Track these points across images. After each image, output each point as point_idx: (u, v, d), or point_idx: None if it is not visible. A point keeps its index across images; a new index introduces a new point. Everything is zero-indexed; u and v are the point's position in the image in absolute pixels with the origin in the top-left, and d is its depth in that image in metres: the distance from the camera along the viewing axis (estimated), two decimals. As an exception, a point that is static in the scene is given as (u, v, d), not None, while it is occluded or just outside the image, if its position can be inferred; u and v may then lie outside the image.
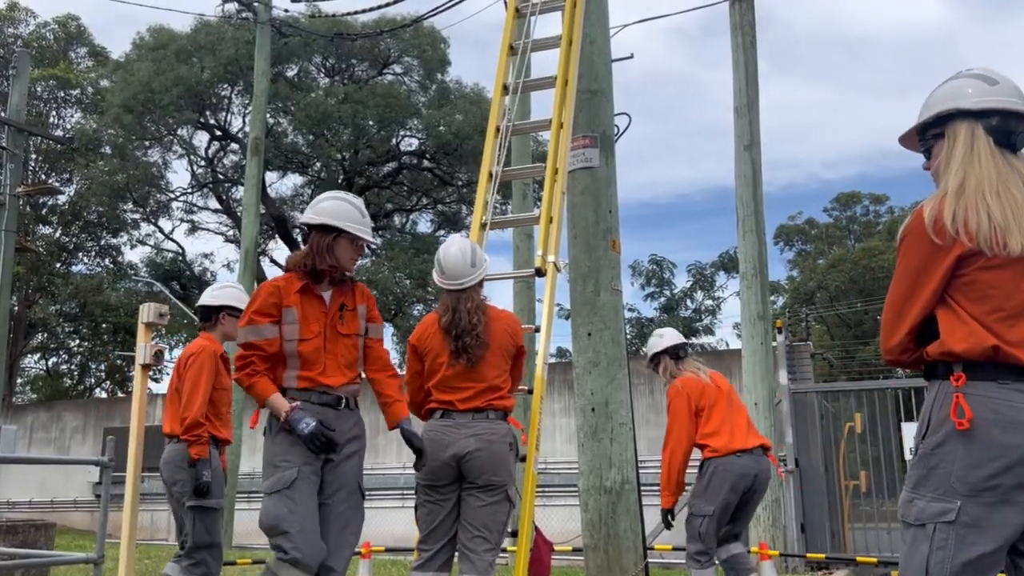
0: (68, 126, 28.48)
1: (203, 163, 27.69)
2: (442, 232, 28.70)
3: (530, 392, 4.40)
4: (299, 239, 28.18)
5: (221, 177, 27.75)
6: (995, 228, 2.14)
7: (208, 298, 4.87)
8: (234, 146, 27.14)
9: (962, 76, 2.38)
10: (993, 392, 2.13)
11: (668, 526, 5.14)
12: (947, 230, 2.16)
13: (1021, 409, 2.10)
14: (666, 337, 5.28)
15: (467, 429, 3.71)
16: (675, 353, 5.22)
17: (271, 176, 27.07)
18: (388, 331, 27.41)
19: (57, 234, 28.63)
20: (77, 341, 30.68)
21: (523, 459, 4.17)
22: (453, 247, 3.91)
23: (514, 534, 4.17)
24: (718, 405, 5.06)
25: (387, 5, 13.96)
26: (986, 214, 2.16)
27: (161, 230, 28.93)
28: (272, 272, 28.67)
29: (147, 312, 4.83)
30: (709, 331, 26.88)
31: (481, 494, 3.69)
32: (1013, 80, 2.34)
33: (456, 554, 3.75)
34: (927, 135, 2.38)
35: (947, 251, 2.17)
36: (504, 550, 9.35)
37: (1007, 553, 2.16)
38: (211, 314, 4.80)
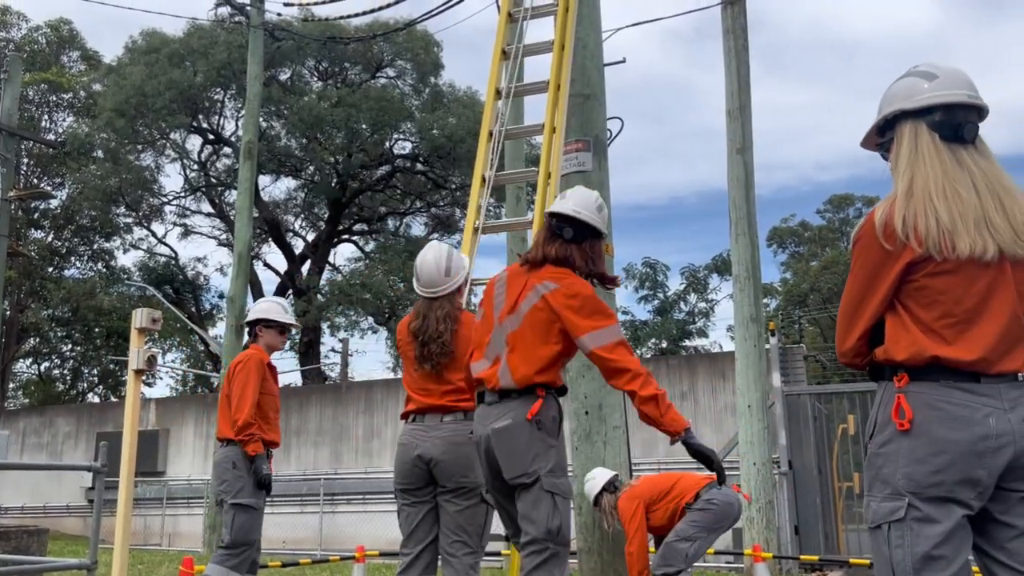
0: (60, 130, 28.40)
1: (196, 167, 27.64)
2: (436, 235, 28.68)
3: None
4: (292, 244, 28.19)
5: (214, 181, 27.70)
6: (943, 231, 2.12)
7: (249, 316, 5.40)
8: (227, 150, 27.10)
9: (906, 75, 2.34)
10: (934, 391, 2.14)
11: None
12: (897, 234, 2.16)
13: (962, 406, 2.11)
14: (598, 478, 5.14)
15: (435, 432, 3.72)
16: (612, 487, 5.13)
17: (264, 180, 27.05)
18: (382, 335, 27.39)
19: (49, 238, 28.53)
20: (69, 346, 30.56)
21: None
22: (429, 254, 3.93)
23: (507, 538, 4.17)
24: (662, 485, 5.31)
25: (380, 9, 13.97)
26: (934, 217, 2.13)
27: (154, 234, 28.89)
28: (264, 276, 28.65)
29: (140, 317, 4.83)
30: (703, 334, 26.88)
31: (455, 498, 3.69)
32: (959, 70, 2.27)
33: (440, 559, 3.76)
34: (883, 138, 2.38)
35: (897, 256, 2.17)
36: (499, 554, 9.36)
37: (973, 548, 2.17)
38: (251, 329, 5.28)
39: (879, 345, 2.25)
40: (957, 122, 2.21)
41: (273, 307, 5.34)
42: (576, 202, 3.38)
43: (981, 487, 2.10)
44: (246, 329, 5.45)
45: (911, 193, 2.19)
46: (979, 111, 2.25)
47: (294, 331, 28.99)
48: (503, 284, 3.43)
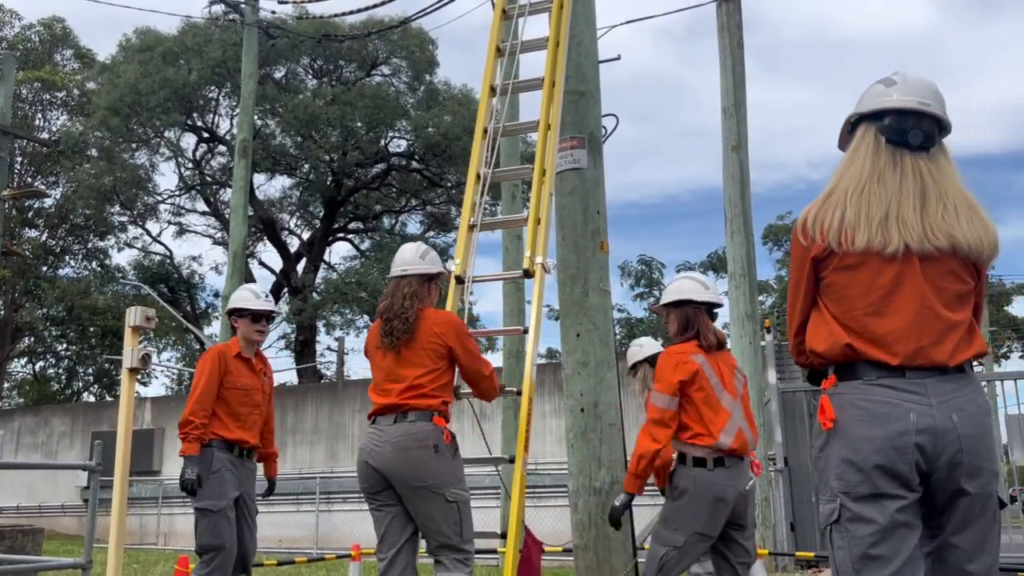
0: (54, 128, 28.32)
1: (190, 165, 27.58)
2: (431, 233, 28.66)
3: (519, 394, 4.39)
4: (287, 242, 28.13)
5: (209, 179, 27.65)
6: (845, 227, 2.22)
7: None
8: (222, 148, 27.05)
9: (875, 82, 2.43)
10: (856, 390, 2.19)
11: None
12: (808, 231, 2.28)
13: (880, 402, 2.15)
14: (645, 347, 5.46)
15: (387, 435, 3.73)
16: (654, 362, 5.12)
17: (259, 178, 27.00)
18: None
19: (43, 237, 28.45)
20: (64, 345, 30.49)
21: (512, 460, 4.17)
22: (410, 244, 4.18)
23: (503, 535, 4.17)
24: None
25: (375, 7, 13.95)
26: (840, 213, 2.23)
27: (149, 233, 28.83)
28: (260, 275, 28.60)
29: (134, 315, 4.80)
30: (698, 331, 26.93)
31: (417, 503, 3.69)
32: (924, 80, 2.36)
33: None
34: (851, 136, 2.46)
35: (807, 252, 2.28)
36: (494, 551, 9.37)
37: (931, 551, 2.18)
38: (231, 323, 5.06)
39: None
40: (904, 127, 2.29)
41: (244, 295, 5.00)
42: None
43: (905, 480, 2.11)
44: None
45: (832, 192, 2.30)
46: (938, 121, 2.31)
47: (278, 319, 28.95)
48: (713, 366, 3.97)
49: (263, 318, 4.95)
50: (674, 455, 3.94)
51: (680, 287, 4.20)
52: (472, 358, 3.92)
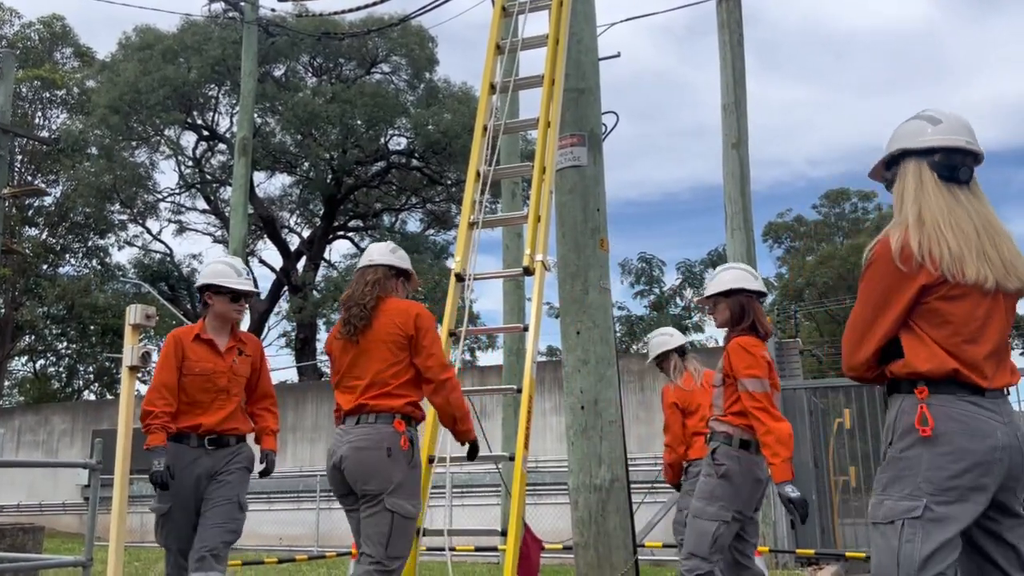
0: (54, 127, 28.30)
1: (190, 164, 27.57)
2: (431, 231, 28.66)
3: (519, 391, 4.39)
4: (287, 240, 28.12)
5: (209, 178, 27.63)
6: (954, 259, 2.37)
7: (198, 280, 4.59)
8: (222, 146, 27.03)
9: (913, 118, 2.60)
10: (953, 404, 2.37)
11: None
12: (914, 257, 2.39)
13: (980, 419, 2.34)
14: (675, 337, 5.59)
15: (347, 436, 3.67)
16: (682, 351, 5.57)
17: (259, 176, 26.98)
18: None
19: (44, 236, 28.44)
20: (65, 343, 30.48)
21: (512, 458, 4.17)
22: (379, 243, 4.15)
23: (503, 533, 4.17)
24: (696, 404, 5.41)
25: (374, 4, 13.94)
26: (946, 245, 2.38)
27: (149, 231, 28.81)
28: (260, 273, 28.61)
29: (134, 313, 4.80)
30: (699, 328, 26.88)
31: (363, 504, 3.62)
32: (961, 118, 2.54)
33: None
34: (888, 171, 2.62)
35: (912, 279, 2.40)
36: (495, 549, 9.38)
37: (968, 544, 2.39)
38: (201, 297, 4.52)
39: (885, 362, 2.49)
40: (954, 164, 2.49)
41: (222, 269, 4.49)
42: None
43: (988, 494, 2.32)
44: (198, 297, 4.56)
45: (922, 222, 2.43)
46: (975, 156, 2.52)
47: (278, 317, 28.92)
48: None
49: (243, 297, 4.49)
50: (711, 437, 4.07)
51: (731, 276, 4.21)
52: (426, 355, 3.69)
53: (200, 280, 4.52)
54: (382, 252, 4.01)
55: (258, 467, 4.45)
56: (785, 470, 3.79)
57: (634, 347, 26.24)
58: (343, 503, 3.77)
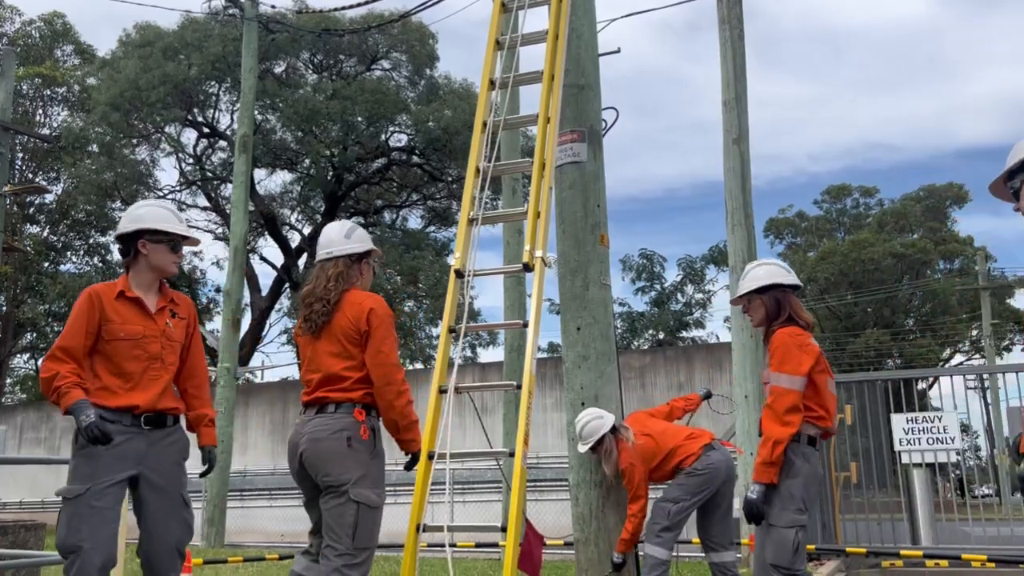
0: (55, 124, 28.31)
1: (191, 161, 27.58)
2: (432, 228, 28.66)
3: (519, 387, 4.39)
4: (288, 237, 28.11)
5: (209, 175, 27.63)
6: None
7: (123, 225, 3.80)
8: (222, 143, 27.03)
9: None
10: None
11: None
12: None
13: None
14: (606, 418, 5.10)
15: (306, 427, 3.63)
16: (614, 429, 5.14)
17: (259, 173, 26.99)
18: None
19: (45, 233, 28.46)
20: (66, 341, 30.50)
21: (512, 454, 4.17)
22: (334, 223, 3.99)
23: (504, 529, 4.17)
24: (665, 435, 5.31)
25: (374, 0, 13.92)
26: None
27: (150, 228, 28.79)
28: (261, 270, 28.60)
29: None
30: (699, 324, 26.91)
31: (325, 495, 3.55)
32: None
33: None
34: (1015, 179, 2.68)
35: None
36: (495, 545, 9.38)
37: None
38: (127, 247, 3.78)
39: None
40: None
41: (160, 213, 3.80)
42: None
43: None
44: (117, 247, 3.85)
45: None
46: None
47: (279, 314, 28.86)
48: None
49: (181, 247, 3.85)
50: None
51: (764, 272, 4.11)
52: (373, 352, 3.58)
53: (132, 225, 3.74)
54: (339, 239, 3.84)
55: (199, 467, 3.90)
56: (759, 471, 3.80)
57: (635, 343, 26.24)
58: (304, 491, 3.71)
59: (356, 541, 3.47)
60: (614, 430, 5.12)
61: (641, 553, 5.24)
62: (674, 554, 5.35)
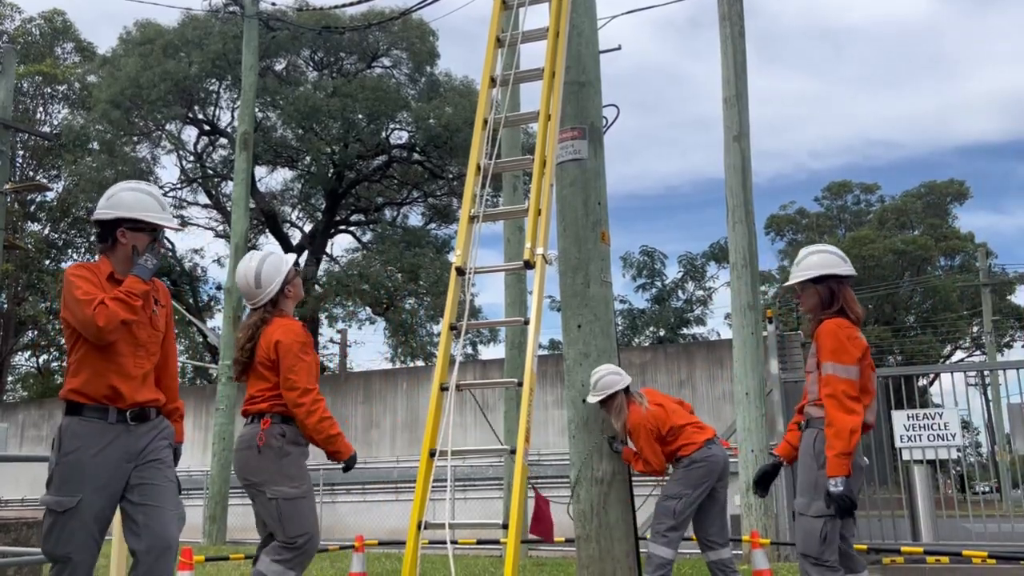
0: (55, 122, 28.31)
1: (192, 158, 27.57)
2: (433, 225, 28.65)
3: (520, 385, 4.40)
4: (289, 235, 28.11)
5: (210, 172, 27.63)
6: None
7: (101, 208, 3.48)
8: (223, 141, 27.02)
9: None
10: None
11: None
12: None
13: None
14: (623, 377, 5.21)
15: (239, 436, 4.24)
16: (627, 391, 5.31)
17: (260, 171, 26.97)
18: (379, 326, 27.40)
19: (46, 231, 28.47)
20: (67, 338, 30.53)
21: (513, 451, 4.17)
22: (240, 269, 4.32)
23: (505, 526, 4.18)
24: (676, 413, 5.47)
25: (375, -2, 13.89)
26: None
27: (150, 226, 28.79)
28: (263, 267, 28.52)
29: (136, 308, 4.79)
30: (700, 321, 26.88)
31: (251, 496, 4.13)
32: None
33: None
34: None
35: None
36: (497, 542, 9.39)
37: None
38: (105, 232, 3.49)
39: None
40: None
41: (147, 201, 3.50)
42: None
43: None
44: (94, 232, 3.64)
45: None
46: None
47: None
48: None
49: (163, 236, 3.65)
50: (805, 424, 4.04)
51: (819, 260, 4.03)
52: (283, 379, 4.07)
53: (112, 211, 3.43)
54: (252, 290, 4.25)
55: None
56: (835, 464, 3.67)
57: (636, 340, 26.23)
58: (246, 493, 4.22)
59: (287, 532, 3.99)
60: (627, 391, 5.26)
61: (644, 551, 5.25)
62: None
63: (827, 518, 3.75)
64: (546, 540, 4.62)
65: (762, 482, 4.28)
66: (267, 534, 4.15)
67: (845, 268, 4.01)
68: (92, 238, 28.69)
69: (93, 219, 3.55)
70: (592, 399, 5.12)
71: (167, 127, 26.43)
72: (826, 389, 3.78)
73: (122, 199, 3.48)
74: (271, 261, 4.27)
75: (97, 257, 3.56)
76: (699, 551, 5.63)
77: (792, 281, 4.10)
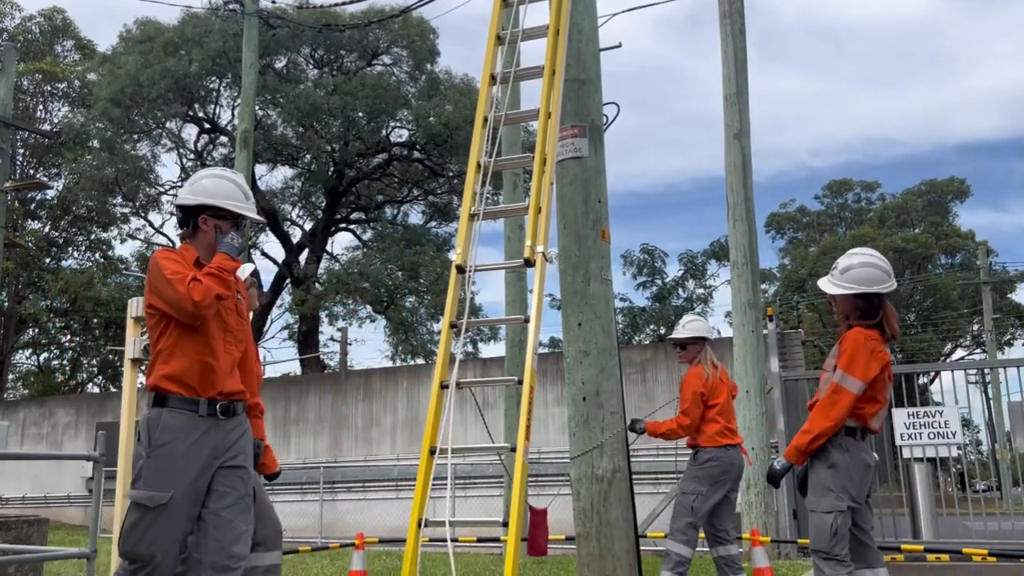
0: (55, 120, 28.31)
1: (192, 156, 27.57)
2: (433, 223, 28.65)
3: (520, 383, 4.40)
4: (289, 233, 28.10)
5: (211, 170, 27.63)
6: None
7: (184, 194, 3.47)
8: (223, 139, 27.03)
9: None
10: None
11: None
12: None
13: None
14: (711, 335, 5.77)
15: None
16: (703, 342, 5.75)
17: (260, 169, 26.98)
18: (380, 324, 27.40)
19: (46, 229, 28.47)
20: (68, 336, 30.54)
21: (513, 449, 4.17)
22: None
23: (506, 524, 4.18)
24: (729, 402, 5.71)
25: (375, -4, 13.88)
26: None
27: (151, 224, 28.85)
28: (262, 265, 28.61)
29: (136, 306, 4.82)
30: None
31: None
32: None
33: None
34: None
35: None
36: (497, 540, 9.40)
37: None
38: (188, 218, 3.46)
39: None
40: None
41: (231, 189, 3.46)
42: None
43: None
44: (176, 218, 3.55)
45: None
46: None
47: (280, 309, 28.83)
48: None
49: (245, 225, 3.58)
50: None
51: (867, 276, 3.94)
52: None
53: (196, 198, 3.40)
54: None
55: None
56: (790, 450, 3.99)
57: (636, 338, 26.24)
58: None
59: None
60: (702, 344, 5.67)
61: (644, 549, 5.26)
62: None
63: (837, 513, 3.83)
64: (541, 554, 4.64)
65: (773, 480, 4.28)
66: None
67: (888, 285, 3.94)
68: (92, 236, 28.75)
69: (176, 204, 3.51)
70: (675, 334, 5.69)
71: (167, 125, 26.43)
72: (827, 396, 3.91)
73: (205, 186, 3.45)
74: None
75: (180, 244, 3.48)
76: (701, 548, 5.66)
77: (835, 292, 3.99)
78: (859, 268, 3.97)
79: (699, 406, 5.51)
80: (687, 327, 5.72)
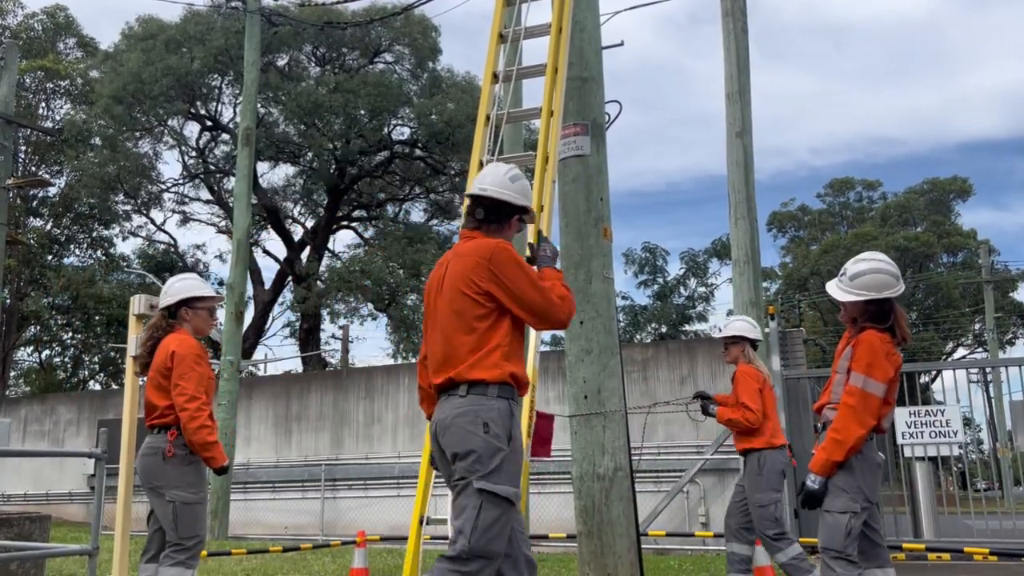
0: (58, 118, 28.30)
1: (194, 154, 27.57)
2: (435, 221, 28.64)
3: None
4: (291, 230, 28.09)
5: (212, 168, 27.63)
6: None
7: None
8: (225, 136, 27.02)
9: None
10: None
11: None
12: None
13: None
14: (757, 329, 5.84)
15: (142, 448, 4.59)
16: (754, 344, 5.78)
17: (262, 166, 26.97)
18: (381, 322, 27.40)
19: (48, 226, 28.48)
20: (70, 334, 30.55)
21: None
22: (171, 281, 4.73)
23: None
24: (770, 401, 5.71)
25: (377, -7, 13.87)
26: None
27: (153, 221, 28.85)
28: (264, 263, 28.62)
29: (138, 304, 4.83)
30: (702, 318, 26.85)
31: (151, 500, 4.41)
32: None
33: None
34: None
35: None
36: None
37: None
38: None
39: None
40: None
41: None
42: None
43: None
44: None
45: None
46: None
47: (281, 308, 28.82)
48: None
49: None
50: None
51: (877, 282, 3.94)
52: (172, 386, 4.32)
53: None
54: (162, 294, 4.58)
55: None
56: (823, 464, 3.83)
57: (638, 336, 26.24)
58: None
59: (180, 533, 4.26)
60: (753, 346, 5.72)
61: (645, 548, 5.26)
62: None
63: (851, 514, 3.83)
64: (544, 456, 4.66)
65: (815, 502, 4.05)
66: (153, 530, 4.42)
67: (898, 288, 3.94)
68: (94, 234, 28.73)
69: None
70: (722, 333, 5.74)
71: (169, 123, 26.43)
72: (848, 399, 3.84)
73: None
74: (187, 283, 4.59)
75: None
76: (701, 546, 5.66)
77: (846, 299, 3.98)
78: (869, 275, 3.96)
79: (759, 400, 5.47)
80: (728, 327, 5.77)
